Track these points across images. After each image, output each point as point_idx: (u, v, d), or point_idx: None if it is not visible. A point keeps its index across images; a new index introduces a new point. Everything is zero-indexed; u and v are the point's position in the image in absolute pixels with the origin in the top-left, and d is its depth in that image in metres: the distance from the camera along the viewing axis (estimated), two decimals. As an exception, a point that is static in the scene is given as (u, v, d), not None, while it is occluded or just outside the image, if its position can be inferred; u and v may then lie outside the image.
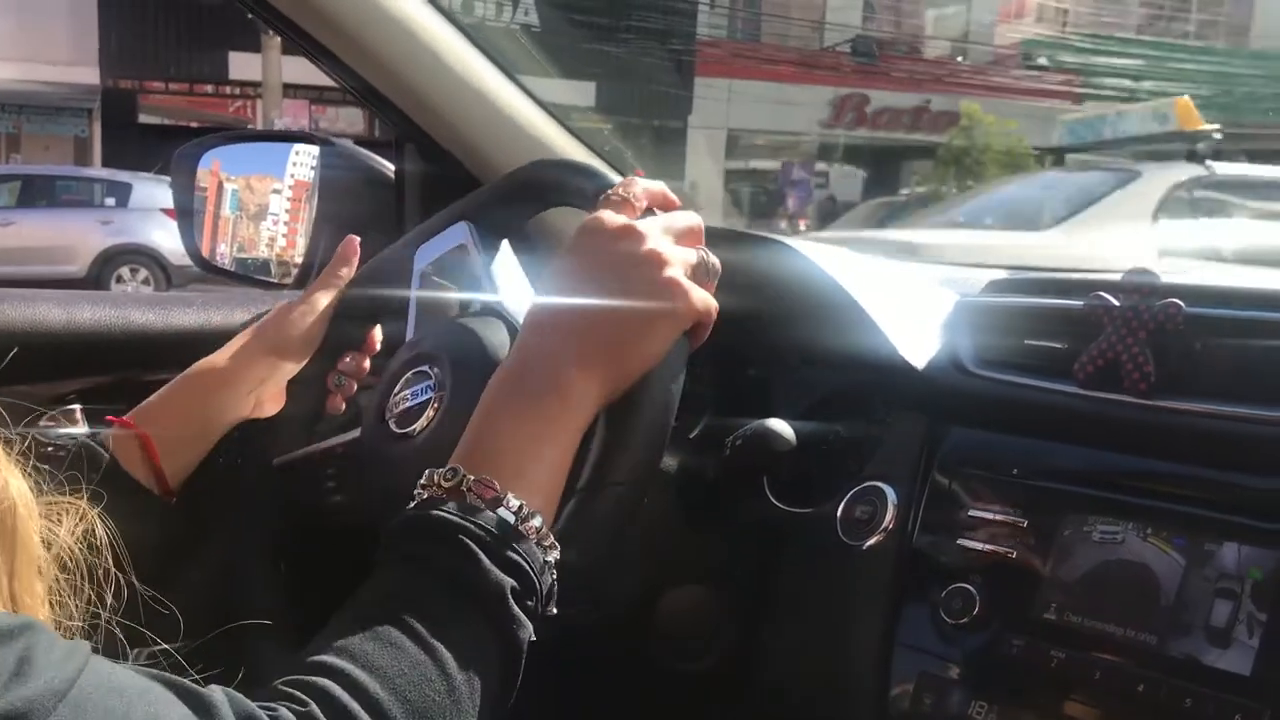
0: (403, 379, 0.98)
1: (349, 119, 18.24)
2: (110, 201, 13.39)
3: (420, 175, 1.40)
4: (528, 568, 0.69)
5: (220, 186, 1.47)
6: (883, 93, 22.00)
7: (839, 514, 1.08)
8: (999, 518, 0.98)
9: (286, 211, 1.45)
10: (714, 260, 0.85)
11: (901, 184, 21.70)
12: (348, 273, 1.06)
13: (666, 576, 1.12)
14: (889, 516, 1.05)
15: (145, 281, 12.85)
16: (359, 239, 1.08)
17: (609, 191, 0.86)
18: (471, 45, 1.29)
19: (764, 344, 1.24)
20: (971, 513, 1.00)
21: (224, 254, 1.49)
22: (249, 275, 1.50)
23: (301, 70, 15.97)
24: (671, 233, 0.83)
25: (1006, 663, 0.94)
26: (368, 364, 1.10)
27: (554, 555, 0.73)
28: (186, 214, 1.46)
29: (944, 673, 0.97)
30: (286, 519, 1.14)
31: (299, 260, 1.44)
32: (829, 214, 19.08)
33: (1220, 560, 0.86)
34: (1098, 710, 0.88)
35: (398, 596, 0.67)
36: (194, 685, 0.59)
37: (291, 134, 1.61)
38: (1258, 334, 0.90)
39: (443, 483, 0.72)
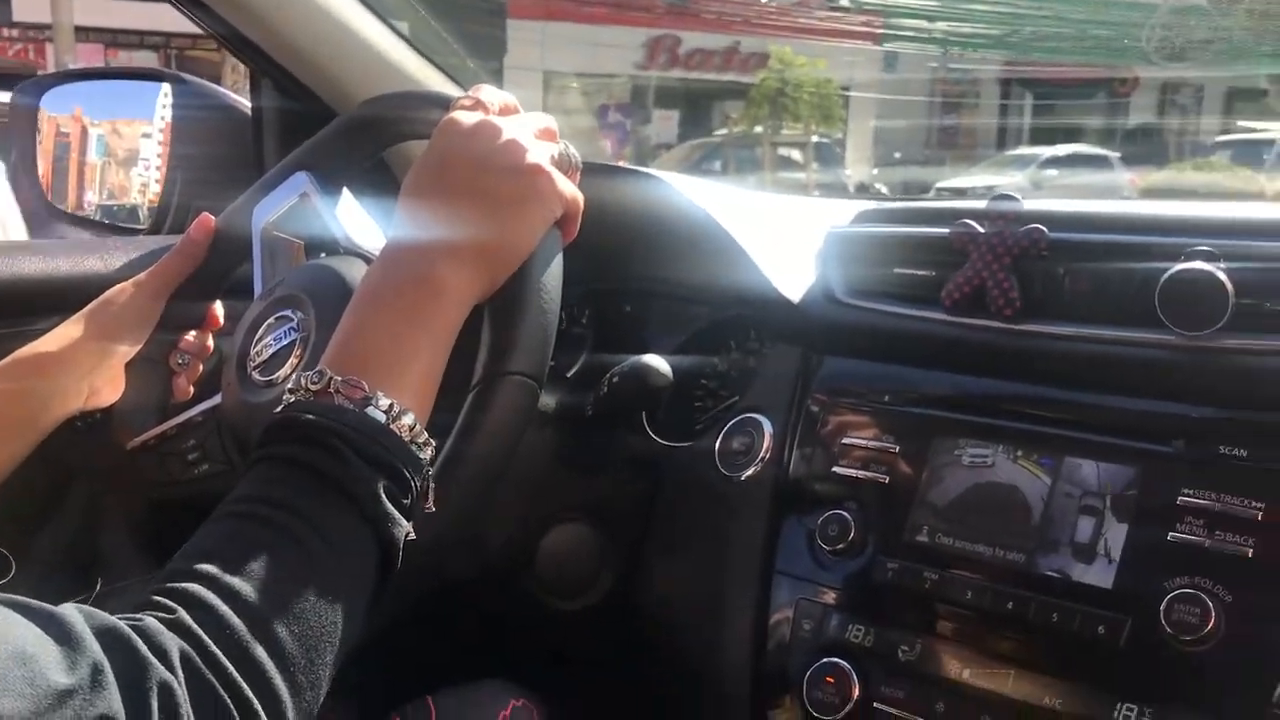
0: (263, 325, 0.91)
1: (145, 63, 17.21)
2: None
3: (278, 112, 1.31)
4: (400, 466, 0.66)
5: (85, 131, 1.35)
6: (694, 34, 22.01)
7: (717, 446, 1.06)
8: (872, 444, 0.97)
9: (159, 156, 1.34)
10: (575, 152, 0.82)
11: (715, 125, 21.84)
12: (197, 254, 0.98)
13: (547, 517, 1.08)
14: (765, 447, 1.03)
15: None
16: (213, 217, 1.00)
17: (458, 99, 0.82)
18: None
19: (638, 279, 1.20)
20: (845, 440, 0.99)
21: (91, 202, 1.38)
22: (102, 222, 1.38)
23: (94, 12, 14.98)
24: (528, 128, 0.79)
25: (881, 586, 0.93)
26: (211, 342, 1.03)
27: (428, 453, 0.69)
28: (28, 157, 1.33)
29: (821, 598, 0.96)
30: (148, 501, 1.04)
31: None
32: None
33: (1084, 478, 0.87)
34: (969, 628, 0.88)
35: (267, 499, 0.63)
36: (44, 605, 0.54)
37: (139, 71, 1.47)
38: (1119, 257, 0.90)
39: (310, 386, 0.67)
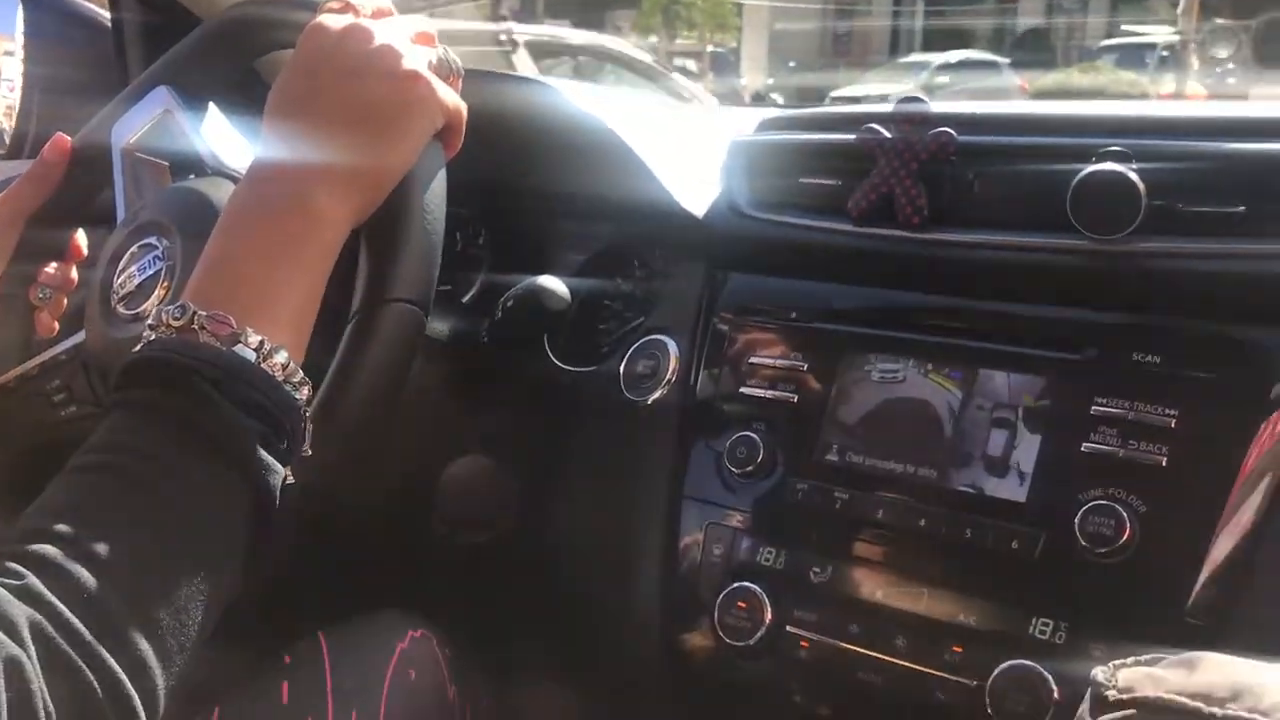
0: (126, 255, 0.84)
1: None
2: None
3: (141, 24, 1.21)
4: (274, 409, 0.60)
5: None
6: (581, -61, 21.44)
7: (621, 370, 1.01)
8: (779, 363, 0.93)
9: (22, 75, 1.22)
10: (455, 57, 0.76)
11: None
12: (52, 178, 0.90)
13: (445, 449, 1.02)
14: (671, 369, 0.99)
15: None
16: (69, 138, 0.92)
17: (324, 3, 0.75)
18: None
19: (534, 196, 1.13)
20: (753, 360, 0.95)
21: None
22: None
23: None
24: (403, 32, 0.73)
25: (792, 507, 0.89)
26: (75, 273, 0.94)
27: (305, 392, 0.63)
28: None
29: (731, 522, 0.93)
30: (11, 448, 0.97)
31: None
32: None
33: (995, 390, 0.84)
34: (882, 547, 0.85)
35: (126, 447, 0.56)
36: None
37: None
38: (1029, 159, 0.86)
39: (171, 322, 0.61)
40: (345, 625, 0.88)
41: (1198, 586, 0.73)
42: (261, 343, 0.61)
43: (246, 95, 0.91)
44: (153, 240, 0.83)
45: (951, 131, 0.87)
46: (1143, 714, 0.48)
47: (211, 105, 0.89)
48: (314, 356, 0.66)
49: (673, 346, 0.99)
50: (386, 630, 0.87)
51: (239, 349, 0.60)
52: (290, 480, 0.62)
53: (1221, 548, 0.73)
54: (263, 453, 0.59)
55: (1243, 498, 0.73)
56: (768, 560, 0.90)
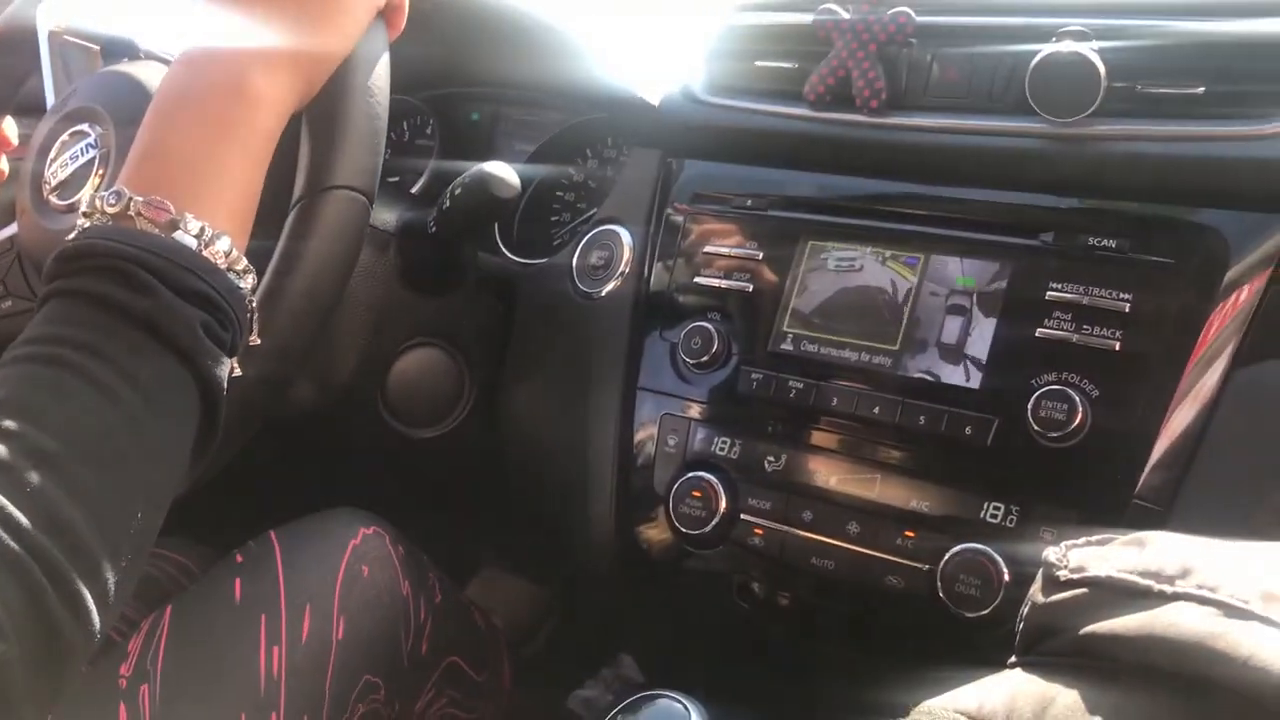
0: (56, 144, 0.81)
1: None
2: None
3: None
4: (218, 297, 0.57)
5: None
6: None
7: (574, 262, 0.98)
8: (735, 252, 0.91)
9: None
10: None
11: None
12: None
13: (396, 342, 0.99)
14: (625, 260, 0.96)
15: None
16: None
17: None
18: None
19: (484, 84, 1.09)
20: (708, 249, 0.92)
21: None
22: None
23: None
24: None
25: (746, 397, 0.88)
26: (5, 164, 0.90)
27: (249, 280, 0.61)
28: None
29: (686, 413, 0.91)
30: None
31: None
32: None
33: (950, 276, 0.82)
34: (836, 435, 0.84)
35: (63, 339, 0.53)
36: None
37: None
38: (988, 40, 0.83)
39: (106, 209, 0.58)
40: (297, 523, 0.86)
41: (1148, 468, 0.73)
42: (202, 229, 0.58)
43: None
44: (85, 128, 0.80)
45: (910, 11, 0.84)
46: (1094, 592, 0.47)
47: None
48: (256, 247, 0.63)
49: (626, 237, 0.96)
50: (339, 527, 0.86)
51: (178, 235, 0.57)
52: (237, 372, 0.60)
53: (1175, 426, 0.73)
54: (207, 342, 0.56)
55: (1198, 374, 0.73)
56: (722, 450, 0.88)
